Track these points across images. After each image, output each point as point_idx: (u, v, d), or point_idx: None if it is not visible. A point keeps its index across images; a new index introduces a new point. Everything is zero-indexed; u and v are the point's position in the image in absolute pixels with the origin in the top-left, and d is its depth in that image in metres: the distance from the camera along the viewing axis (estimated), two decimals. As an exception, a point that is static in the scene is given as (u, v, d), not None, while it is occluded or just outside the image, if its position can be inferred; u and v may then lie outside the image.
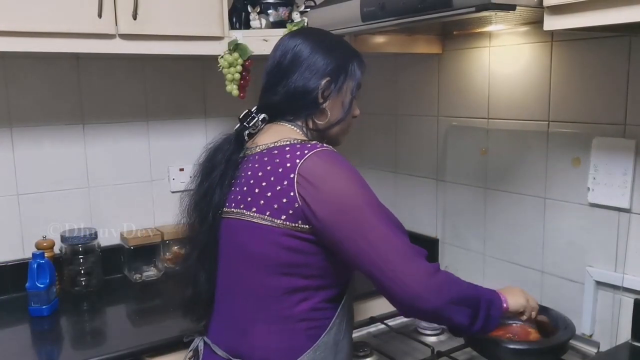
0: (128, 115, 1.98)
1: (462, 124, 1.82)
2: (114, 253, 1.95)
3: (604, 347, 1.46)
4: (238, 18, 1.83)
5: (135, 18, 1.58)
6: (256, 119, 1.21)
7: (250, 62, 1.75)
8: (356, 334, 1.65)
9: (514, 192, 1.67)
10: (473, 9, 1.14)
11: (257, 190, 1.11)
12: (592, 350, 1.46)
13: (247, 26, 1.82)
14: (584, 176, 1.47)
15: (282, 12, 1.82)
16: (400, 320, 1.73)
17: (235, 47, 1.72)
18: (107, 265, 1.90)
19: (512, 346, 1.36)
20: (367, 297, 1.81)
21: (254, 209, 1.11)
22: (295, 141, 1.14)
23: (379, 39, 1.75)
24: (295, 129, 1.20)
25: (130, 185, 2.00)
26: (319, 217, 1.05)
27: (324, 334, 1.13)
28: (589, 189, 1.46)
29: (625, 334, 1.42)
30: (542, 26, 1.16)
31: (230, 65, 1.72)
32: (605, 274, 1.45)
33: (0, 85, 1.76)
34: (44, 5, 1.47)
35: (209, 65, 1.90)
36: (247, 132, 1.21)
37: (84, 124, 1.91)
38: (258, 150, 1.17)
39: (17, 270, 1.76)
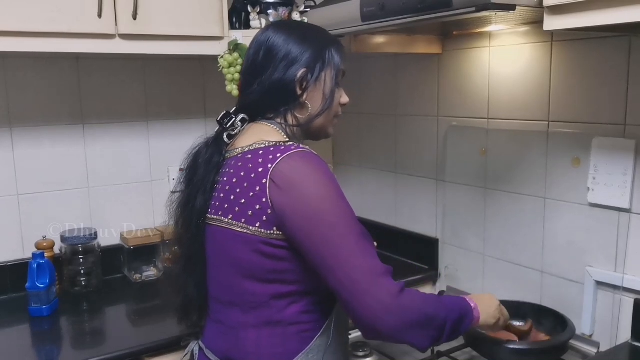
0: (128, 115, 1.98)
1: (462, 124, 1.82)
2: (114, 253, 1.94)
3: (604, 347, 1.46)
4: (238, 18, 1.83)
5: (135, 18, 1.58)
6: (234, 120, 1.18)
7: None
8: (356, 334, 1.64)
9: (514, 192, 1.67)
10: (473, 9, 1.14)
11: (232, 197, 1.09)
12: (592, 350, 1.46)
13: (247, 26, 1.82)
14: (584, 176, 1.47)
15: (282, 12, 1.81)
16: (400, 320, 1.73)
17: (235, 47, 1.72)
18: (107, 265, 1.90)
19: (512, 346, 1.36)
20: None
21: (231, 216, 1.09)
22: (270, 143, 1.10)
23: (379, 39, 1.75)
24: (275, 127, 1.16)
25: (130, 185, 2.00)
26: (288, 224, 1.03)
27: (316, 337, 1.12)
28: (589, 189, 1.46)
29: (625, 334, 1.42)
30: (542, 26, 1.16)
31: (230, 65, 1.72)
32: (605, 274, 1.45)
33: (0, 85, 1.76)
34: (44, 5, 1.47)
35: (209, 65, 1.90)
36: (226, 134, 1.18)
37: (84, 124, 1.91)
38: (235, 153, 1.14)
39: (17, 270, 1.75)
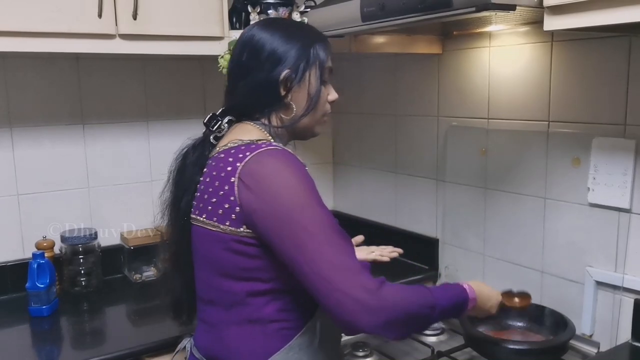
0: (128, 115, 1.98)
1: (462, 124, 1.82)
2: (114, 253, 1.94)
3: (604, 347, 1.46)
4: (238, 18, 1.83)
5: (135, 18, 1.58)
6: (220, 122, 1.17)
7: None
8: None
9: (514, 192, 1.67)
10: (473, 9, 1.14)
11: (206, 197, 1.09)
12: (592, 350, 1.46)
13: (247, 26, 1.81)
14: (584, 176, 1.47)
15: (282, 12, 1.81)
16: (400, 320, 1.73)
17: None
18: (107, 265, 1.90)
19: (512, 346, 1.37)
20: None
21: (205, 215, 1.09)
22: (243, 142, 1.09)
23: (379, 39, 1.75)
24: (258, 127, 1.14)
25: (130, 185, 2.00)
26: (258, 222, 1.02)
27: (297, 335, 1.11)
28: (589, 189, 1.46)
29: (625, 334, 1.42)
30: (542, 26, 1.16)
31: (230, 65, 1.71)
32: (605, 274, 1.45)
33: (0, 85, 1.76)
34: (44, 5, 1.47)
35: (208, 66, 1.90)
36: (212, 136, 1.17)
37: (84, 124, 1.91)
38: (214, 154, 1.14)
39: (17, 271, 1.76)
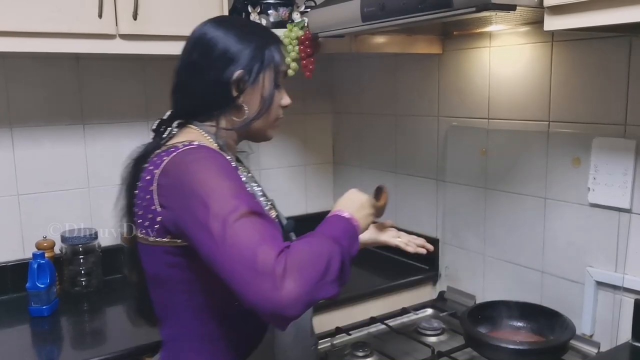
0: (128, 115, 1.98)
1: (462, 124, 1.82)
2: (114, 253, 1.94)
3: (604, 348, 1.46)
4: (238, 18, 1.83)
5: (135, 18, 1.58)
6: (169, 129, 1.12)
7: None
8: (356, 334, 1.65)
9: (514, 192, 1.67)
10: (473, 9, 1.14)
11: (135, 208, 1.06)
12: (593, 350, 1.46)
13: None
14: (584, 176, 1.47)
15: (283, 12, 1.82)
16: (401, 320, 1.74)
17: (235, 47, 1.72)
18: (107, 265, 1.90)
19: (512, 346, 1.37)
20: (366, 297, 1.82)
21: (139, 229, 1.05)
22: (166, 148, 1.04)
23: (379, 39, 1.75)
24: (202, 131, 1.09)
25: (131, 186, 2.00)
26: (181, 225, 0.95)
27: (249, 348, 1.07)
28: (589, 189, 1.46)
29: (625, 334, 1.42)
30: (543, 26, 1.15)
31: (231, 65, 1.71)
32: (606, 274, 1.45)
33: (0, 85, 1.76)
34: (44, 5, 1.47)
35: (209, 66, 1.90)
36: (163, 142, 1.10)
37: (84, 124, 1.91)
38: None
39: (18, 271, 1.76)
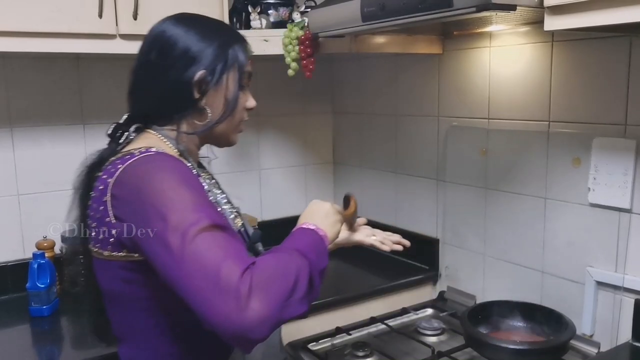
0: (128, 116, 1.98)
1: (463, 124, 1.82)
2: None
3: (604, 348, 1.46)
4: (238, 18, 1.83)
5: (135, 18, 1.58)
6: (126, 134, 1.06)
7: (251, 62, 1.74)
8: (356, 334, 1.65)
9: (514, 192, 1.67)
10: (473, 9, 1.14)
11: (89, 220, 0.99)
12: (593, 350, 1.46)
13: (247, 26, 1.82)
14: (584, 176, 1.47)
15: (283, 12, 1.82)
16: (401, 320, 1.74)
17: (235, 47, 1.72)
18: (108, 265, 1.90)
19: (512, 346, 1.37)
20: (367, 297, 1.82)
21: (92, 242, 0.99)
22: (121, 155, 0.98)
23: (380, 39, 1.75)
24: (161, 136, 1.03)
25: (131, 186, 2.00)
26: (131, 241, 0.90)
27: None
28: (589, 189, 1.46)
29: (625, 334, 1.41)
30: (543, 26, 1.15)
31: (231, 65, 1.71)
32: (606, 274, 1.45)
33: (0, 85, 1.76)
34: (44, 5, 1.47)
35: (209, 66, 1.90)
36: (119, 148, 1.04)
37: (84, 124, 1.91)
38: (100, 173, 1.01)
39: (18, 271, 1.75)
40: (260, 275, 0.81)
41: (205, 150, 1.15)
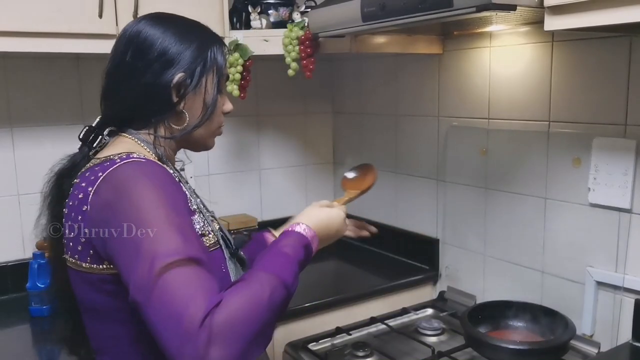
0: (128, 116, 1.98)
1: (463, 124, 1.82)
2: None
3: (604, 348, 1.46)
4: (238, 18, 1.83)
5: (135, 18, 1.58)
6: (100, 137, 1.03)
7: (251, 62, 1.75)
8: (356, 334, 1.65)
9: (514, 192, 1.67)
10: (474, 9, 1.14)
11: (66, 230, 0.95)
12: (593, 350, 1.46)
13: (247, 26, 1.82)
14: (584, 176, 1.47)
15: (283, 12, 1.82)
16: (401, 320, 1.74)
17: (235, 47, 1.72)
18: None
19: (512, 346, 1.37)
20: (367, 297, 1.82)
21: (69, 252, 0.95)
22: (99, 161, 0.94)
23: (380, 39, 1.75)
24: (137, 141, 0.99)
25: (131, 186, 2.00)
26: (108, 251, 0.86)
27: None
28: (589, 189, 1.46)
29: (626, 335, 1.42)
30: (543, 26, 1.16)
31: (231, 65, 1.72)
32: (606, 274, 1.45)
33: (1, 85, 1.76)
34: (45, 5, 1.47)
35: (209, 66, 1.90)
36: (92, 152, 1.02)
37: (84, 124, 1.90)
38: (76, 180, 0.96)
39: (18, 271, 1.75)
40: (224, 319, 0.77)
41: (180, 155, 1.13)
